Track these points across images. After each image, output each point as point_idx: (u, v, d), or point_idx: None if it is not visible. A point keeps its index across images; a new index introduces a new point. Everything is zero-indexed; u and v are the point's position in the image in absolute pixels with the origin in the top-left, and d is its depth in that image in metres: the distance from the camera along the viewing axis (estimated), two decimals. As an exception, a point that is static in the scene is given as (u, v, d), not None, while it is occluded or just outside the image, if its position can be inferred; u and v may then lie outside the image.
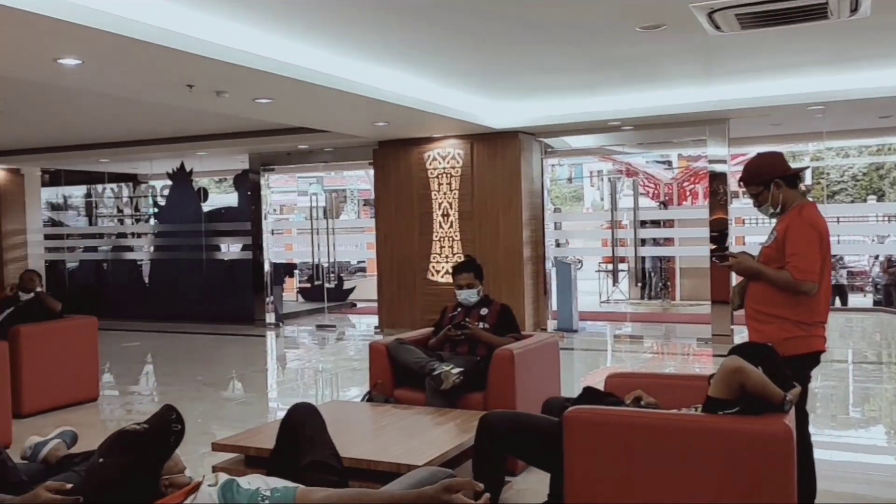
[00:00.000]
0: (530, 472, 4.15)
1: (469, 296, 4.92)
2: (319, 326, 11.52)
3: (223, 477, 2.06)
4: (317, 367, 8.95)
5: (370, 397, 4.60)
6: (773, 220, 3.60)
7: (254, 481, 2.10)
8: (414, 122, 8.46)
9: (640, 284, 12.39)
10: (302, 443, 2.64)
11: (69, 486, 2.04)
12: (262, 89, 6.36)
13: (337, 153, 11.21)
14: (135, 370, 8.80)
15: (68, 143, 11.25)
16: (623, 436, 2.87)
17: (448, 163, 9.79)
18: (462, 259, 5.54)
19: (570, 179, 21.18)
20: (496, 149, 9.53)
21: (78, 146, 11.34)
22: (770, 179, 3.52)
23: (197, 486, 2.05)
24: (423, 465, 2.99)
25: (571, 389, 6.24)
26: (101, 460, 1.95)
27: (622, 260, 11.10)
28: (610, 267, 11.53)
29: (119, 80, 5.90)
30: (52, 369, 6.22)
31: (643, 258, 11.76)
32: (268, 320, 11.56)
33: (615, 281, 11.94)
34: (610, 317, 11.82)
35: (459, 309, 4.97)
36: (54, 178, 14.42)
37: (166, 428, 2.01)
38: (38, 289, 6.74)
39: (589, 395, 3.37)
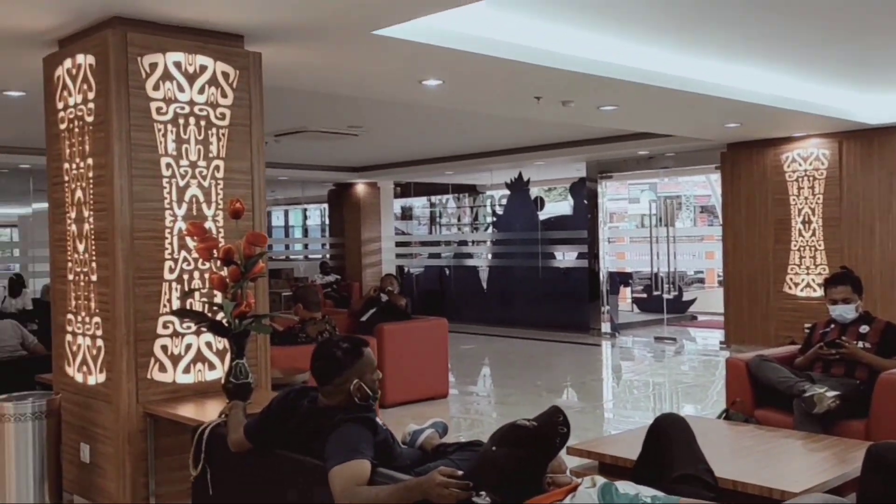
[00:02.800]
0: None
1: (845, 311, 4.51)
2: (657, 338, 11.37)
3: (600, 480, 2.17)
4: (653, 380, 8.85)
5: (727, 415, 4.45)
6: None
7: (627, 488, 2.17)
8: (770, 121, 7.97)
9: None
10: (671, 454, 2.66)
11: (460, 472, 2.29)
12: (608, 96, 6.49)
13: (679, 158, 10.98)
14: (475, 371, 9.51)
15: (419, 157, 12.56)
16: None
17: (810, 164, 9.04)
18: (836, 271, 5.09)
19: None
20: (872, 147, 8.57)
21: (427, 160, 12.60)
22: None
23: (576, 487, 2.18)
24: (800, 493, 2.82)
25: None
26: (493, 449, 2.16)
27: None
28: None
29: (474, 96, 6.46)
30: (409, 365, 6.98)
31: None
32: (603, 330, 11.72)
33: None
34: None
35: (833, 325, 4.58)
36: (405, 190, 16.15)
37: (553, 429, 2.16)
38: (389, 288, 7.63)
39: None
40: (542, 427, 2.17)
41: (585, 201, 12.15)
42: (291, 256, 17.87)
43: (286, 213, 21.70)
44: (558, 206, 17.58)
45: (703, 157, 10.45)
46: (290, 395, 2.83)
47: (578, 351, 10.72)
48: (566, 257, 13.25)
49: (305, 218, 21.72)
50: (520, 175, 13.54)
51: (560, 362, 9.99)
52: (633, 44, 5.60)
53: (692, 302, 13.78)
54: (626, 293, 14.88)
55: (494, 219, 15.23)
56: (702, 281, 17.08)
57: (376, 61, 4.98)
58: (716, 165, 10.15)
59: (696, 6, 4.80)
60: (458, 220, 17.58)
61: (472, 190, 16.50)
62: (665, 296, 11.99)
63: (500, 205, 15.57)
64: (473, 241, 15.78)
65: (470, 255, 14.91)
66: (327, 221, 16.87)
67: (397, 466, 2.66)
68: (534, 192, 14.18)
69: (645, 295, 13.75)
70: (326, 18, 4.02)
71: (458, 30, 4.70)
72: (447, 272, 15.06)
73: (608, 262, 12.05)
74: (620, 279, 13.50)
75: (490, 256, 14.50)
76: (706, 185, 17.23)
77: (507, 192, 14.12)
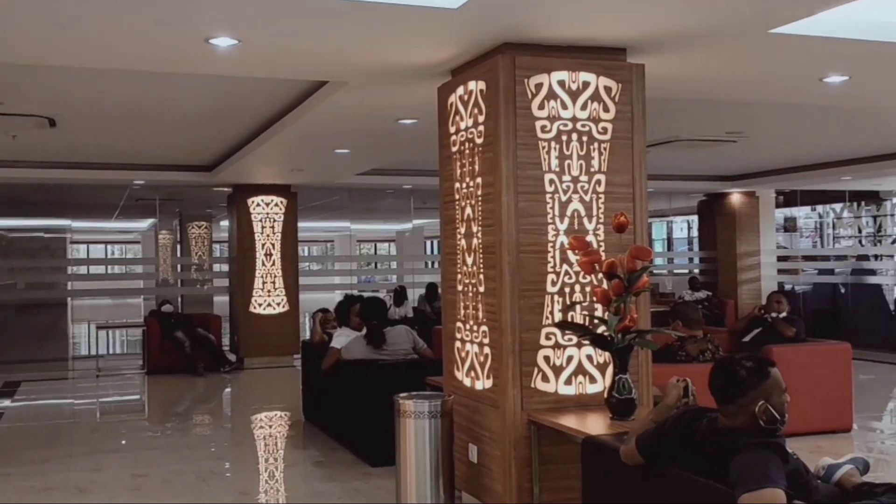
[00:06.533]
0: None
1: None
2: None
3: None
4: None
5: None
6: None
7: None
8: None
9: None
10: None
11: None
12: None
13: None
14: (880, 404, 8.64)
15: (807, 162, 11.74)
16: None
17: None
18: None
19: None
20: None
21: (818, 165, 11.71)
22: None
23: None
24: None
25: None
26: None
27: None
28: None
29: (887, 90, 5.96)
30: (803, 393, 6.55)
31: None
32: None
33: None
34: None
35: None
36: (788, 199, 15.18)
37: None
38: (774, 314, 7.29)
39: None
40: None
41: None
42: (655, 271, 17.84)
43: (649, 226, 21.73)
44: None
45: None
46: (686, 413, 2.91)
47: None
48: None
49: (670, 231, 21.54)
50: (940, 177, 11.97)
51: None
52: None
53: None
54: None
55: (903, 230, 13.65)
56: None
57: (771, 62, 4.88)
58: None
59: None
60: (859, 231, 16.03)
61: (874, 197, 14.95)
62: None
63: (910, 214, 13.91)
64: (877, 256, 14.27)
65: (872, 272, 13.51)
66: (695, 234, 16.52)
67: (813, 502, 2.59)
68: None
69: None
70: (717, 22, 4.06)
71: (869, 18, 4.40)
72: (842, 290, 13.82)
73: None
74: None
75: (898, 273, 13.02)
76: None
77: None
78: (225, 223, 14.71)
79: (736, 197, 14.27)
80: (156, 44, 4.51)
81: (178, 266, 16.79)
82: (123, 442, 7.46)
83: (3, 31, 4.21)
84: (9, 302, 17.61)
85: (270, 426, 8.31)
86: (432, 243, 25.39)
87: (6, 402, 9.34)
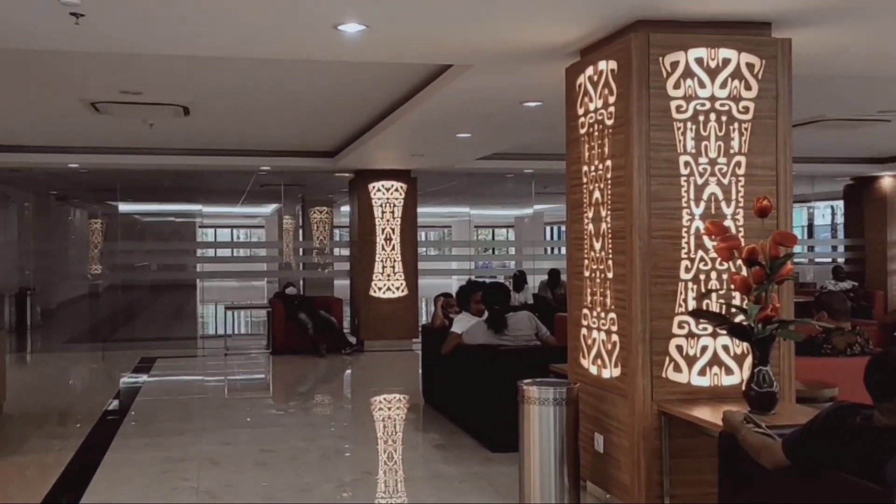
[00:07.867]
0: None
1: None
2: None
3: None
4: None
5: None
6: None
7: None
8: None
9: None
10: None
11: None
12: None
13: None
14: None
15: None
16: None
17: None
18: None
19: None
20: None
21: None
22: None
23: None
24: None
25: None
26: None
27: None
28: None
29: None
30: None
31: None
32: None
33: None
34: None
35: None
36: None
37: None
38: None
39: None
40: None
41: None
42: (795, 259, 17.00)
43: (790, 211, 20.78)
44: None
45: None
46: (838, 410, 2.77)
47: None
48: None
49: (811, 217, 20.60)
50: None
51: None
52: None
53: None
54: None
55: None
56: None
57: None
58: None
59: None
60: None
61: None
62: None
63: None
64: None
65: None
66: (839, 221, 15.67)
67: None
68: None
69: None
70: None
71: None
72: None
73: None
74: None
75: None
76: None
77: None
78: (346, 208, 15.06)
79: (888, 181, 13.52)
80: (286, 31, 4.65)
81: (301, 250, 17.33)
82: (249, 419, 7.77)
83: (144, 24, 4.43)
84: (143, 283, 18.67)
85: (390, 408, 8.47)
86: (552, 229, 25.16)
87: (143, 377, 9.91)
